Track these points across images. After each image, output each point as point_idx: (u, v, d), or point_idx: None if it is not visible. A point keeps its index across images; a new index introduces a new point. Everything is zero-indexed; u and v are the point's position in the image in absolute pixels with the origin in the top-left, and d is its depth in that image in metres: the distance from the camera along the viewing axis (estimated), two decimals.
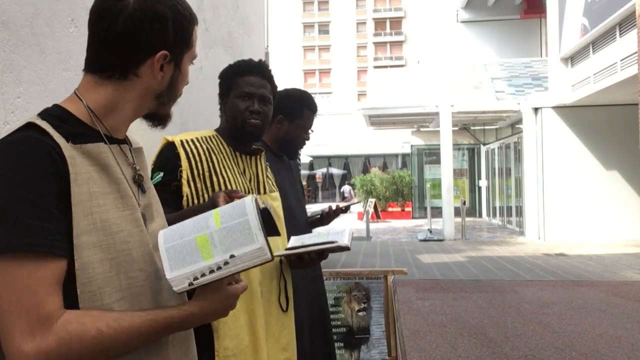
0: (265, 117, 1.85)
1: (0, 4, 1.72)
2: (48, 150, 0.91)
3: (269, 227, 1.08)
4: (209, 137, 1.82)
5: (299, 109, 2.29)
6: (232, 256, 0.97)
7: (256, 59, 1.95)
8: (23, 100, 1.83)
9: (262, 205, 1.04)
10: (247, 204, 1.01)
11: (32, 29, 1.90)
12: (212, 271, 0.96)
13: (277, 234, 1.11)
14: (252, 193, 1.80)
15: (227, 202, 1.39)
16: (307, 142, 2.37)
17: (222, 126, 1.91)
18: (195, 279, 0.96)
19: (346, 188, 23.29)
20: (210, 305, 1.00)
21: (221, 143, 1.82)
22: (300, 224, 2.23)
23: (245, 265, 0.97)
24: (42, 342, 0.84)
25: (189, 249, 0.98)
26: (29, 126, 0.94)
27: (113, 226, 0.97)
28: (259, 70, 1.87)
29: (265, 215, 1.05)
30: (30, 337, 0.84)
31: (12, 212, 0.86)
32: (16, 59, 1.80)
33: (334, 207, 2.40)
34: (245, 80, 1.84)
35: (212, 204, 1.39)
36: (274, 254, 1.76)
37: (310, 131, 2.37)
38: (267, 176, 1.93)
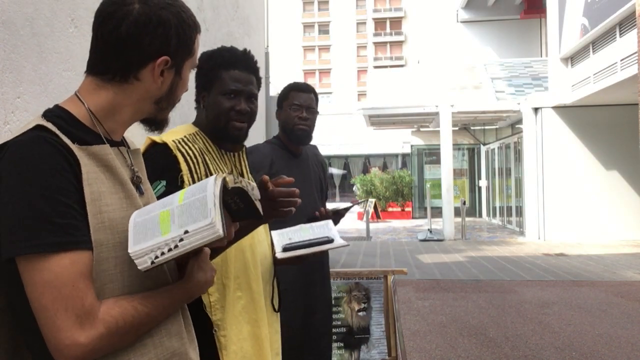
0: (252, 116, 1.71)
1: (0, 4, 1.72)
2: (62, 150, 0.93)
3: (247, 208, 1.06)
4: (194, 134, 1.68)
5: (285, 94, 2.42)
6: (186, 232, 0.95)
7: (240, 49, 1.79)
8: (23, 100, 1.83)
9: (232, 185, 1.02)
10: (209, 182, 0.99)
11: (32, 29, 1.90)
12: (170, 249, 0.96)
13: (258, 216, 1.08)
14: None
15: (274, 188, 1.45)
16: (304, 121, 2.36)
17: (201, 122, 1.74)
18: (156, 257, 0.96)
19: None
20: (204, 274, 1.08)
21: (206, 140, 1.69)
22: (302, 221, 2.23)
23: (199, 242, 0.95)
24: (93, 331, 0.90)
25: (152, 224, 0.98)
26: (38, 127, 0.96)
27: (119, 225, 0.99)
28: (245, 63, 1.70)
29: (242, 195, 1.03)
30: (81, 328, 0.89)
31: (42, 212, 0.89)
32: (16, 59, 1.80)
33: (330, 210, 2.34)
34: (230, 75, 1.67)
35: (260, 187, 1.42)
36: (278, 256, 1.75)
37: (299, 107, 2.37)
38: (248, 173, 1.84)
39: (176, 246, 0.95)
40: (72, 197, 0.92)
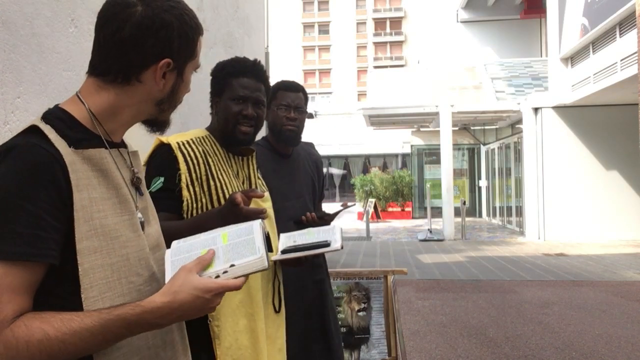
0: (259, 121, 1.81)
1: (0, 4, 1.72)
2: (47, 157, 0.92)
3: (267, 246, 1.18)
4: (202, 137, 1.79)
5: (272, 93, 2.29)
6: (232, 265, 1.00)
7: (252, 58, 1.90)
8: (23, 100, 1.83)
9: (266, 230, 1.13)
10: (255, 226, 1.09)
11: (32, 29, 1.90)
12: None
13: (271, 250, 1.18)
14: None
15: (244, 200, 1.48)
16: (292, 121, 2.28)
17: (213, 126, 1.86)
18: None
19: None
20: (175, 297, 0.92)
21: (214, 144, 1.79)
22: (290, 225, 2.18)
23: (243, 272, 1.00)
24: None
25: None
26: (32, 129, 0.95)
27: (112, 231, 0.99)
28: (254, 71, 1.82)
29: (266, 239, 1.14)
30: None
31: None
32: (16, 59, 1.80)
33: (316, 215, 2.24)
34: (239, 82, 1.79)
35: (231, 203, 1.46)
36: (272, 258, 1.77)
37: (287, 107, 2.29)
38: (258, 177, 1.92)
39: (217, 276, 0.98)
40: (42, 207, 0.89)
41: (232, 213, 1.48)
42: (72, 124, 1.00)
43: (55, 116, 1.00)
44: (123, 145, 1.12)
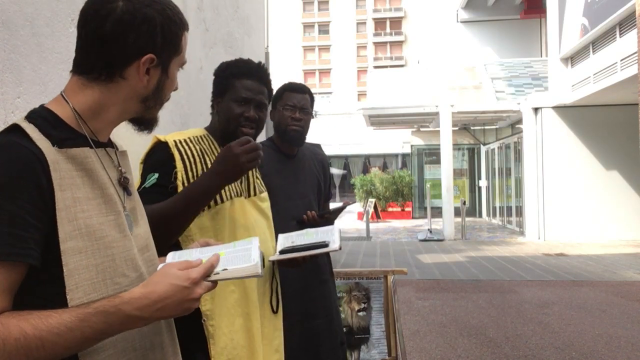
0: (260, 124, 1.81)
1: (0, 4, 1.72)
2: (28, 156, 0.91)
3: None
4: (200, 137, 1.78)
5: (279, 94, 2.33)
6: (224, 269, 1.02)
7: (256, 60, 1.90)
8: (23, 100, 1.83)
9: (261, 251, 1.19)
10: (254, 246, 1.13)
11: (32, 29, 1.90)
12: None
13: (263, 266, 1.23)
14: (243, 194, 1.80)
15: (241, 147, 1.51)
16: (297, 122, 2.28)
17: (213, 126, 1.86)
18: None
19: None
20: (154, 288, 0.92)
21: (213, 144, 1.79)
22: (293, 224, 2.19)
23: (235, 275, 1.03)
24: None
25: None
26: (14, 128, 0.94)
27: (97, 232, 0.97)
28: (257, 74, 1.83)
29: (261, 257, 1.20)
30: None
31: None
32: (16, 59, 1.80)
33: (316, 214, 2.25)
34: (242, 84, 1.79)
35: (228, 149, 1.50)
36: (270, 258, 1.77)
37: (293, 108, 2.29)
38: (256, 177, 1.91)
39: (208, 276, 1.00)
40: (23, 207, 0.88)
41: (231, 158, 1.50)
42: (56, 124, 0.98)
43: (39, 115, 0.98)
44: (110, 144, 1.10)
